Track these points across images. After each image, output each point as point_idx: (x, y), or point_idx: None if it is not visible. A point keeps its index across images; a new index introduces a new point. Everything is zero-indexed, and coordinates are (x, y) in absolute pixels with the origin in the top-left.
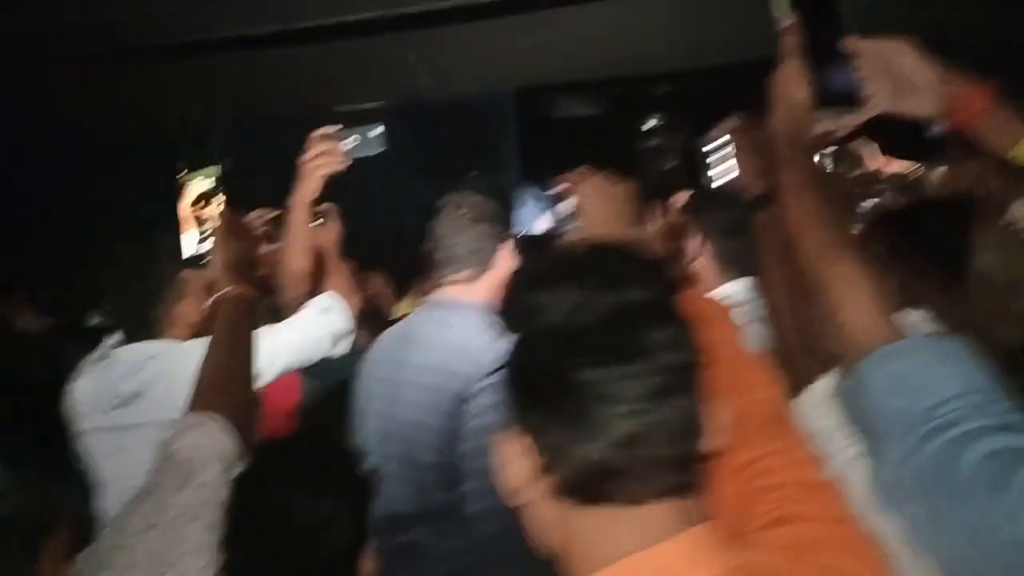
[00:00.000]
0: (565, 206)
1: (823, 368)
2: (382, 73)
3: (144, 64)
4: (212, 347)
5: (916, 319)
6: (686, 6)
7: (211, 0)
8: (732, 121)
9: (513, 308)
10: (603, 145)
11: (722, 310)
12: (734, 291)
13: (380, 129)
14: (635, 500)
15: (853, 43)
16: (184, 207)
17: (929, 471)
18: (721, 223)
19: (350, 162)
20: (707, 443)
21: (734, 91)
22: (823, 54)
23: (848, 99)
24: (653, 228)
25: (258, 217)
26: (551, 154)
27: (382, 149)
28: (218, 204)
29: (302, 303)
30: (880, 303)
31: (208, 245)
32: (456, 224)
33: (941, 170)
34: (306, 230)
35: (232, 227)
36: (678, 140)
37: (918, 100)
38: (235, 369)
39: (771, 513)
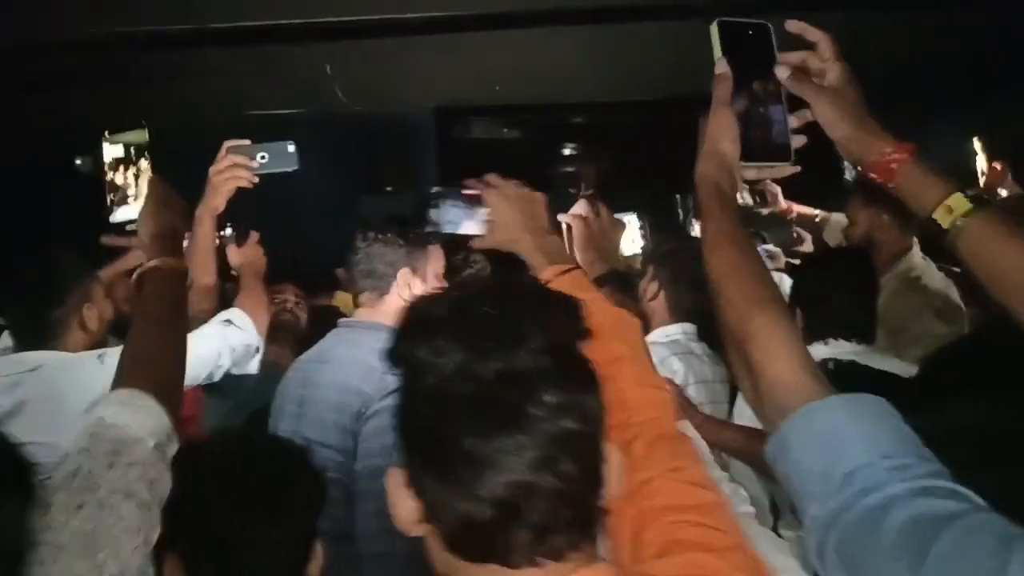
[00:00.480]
0: (477, 209)
1: None
2: (298, 83)
3: (58, 58)
4: (139, 321)
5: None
6: (607, 40)
7: None
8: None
9: (398, 358)
10: (518, 168)
11: (629, 323)
12: (677, 332)
13: (293, 146)
14: (513, 564)
15: (795, 25)
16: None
17: (851, 537)
18: (682, 274)
19: (257, 179)
20: (600, 497)
21: (648, 125)
22: (753, 102)
23: (776, 151)
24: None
25: None
26: (467, 174)
27: (296, 167)
28: (143, 171)
29: (208, 317)
30: (804, 358)
31: (122, 212)
32: (366, 244)
33: (839, 217)
34: (211, 243)
35: (160, 196)
36: (592, 168)
37: (839, 124)
38: (163, 344)
39: (663, 538)
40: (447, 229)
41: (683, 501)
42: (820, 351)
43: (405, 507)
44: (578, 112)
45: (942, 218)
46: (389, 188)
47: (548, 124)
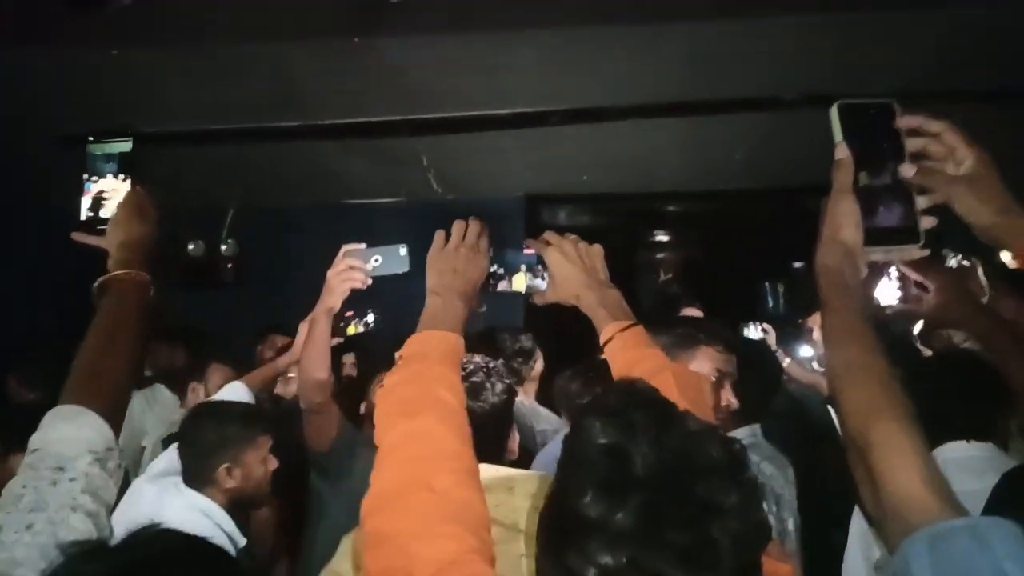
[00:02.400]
0: (537, 267)
1: None
2: (395, 174)
3: (159, 148)
4: (93, 331)
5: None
6: (696, 130)
7: (223, 90)
8: None
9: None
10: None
11: (691, 378)
12: (748, 435)
13: (404, 249)
14: None
15: (923, 123)
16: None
17: None
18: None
19: (371, 280)
20: None
21: (735, 216)
22: (878, 184)
23: (899, 236)
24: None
25: None
26: None
27: (407, 269)
28: (121, 179)
29: (321, 410)
30: (928, 471)
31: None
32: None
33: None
34: (327, 340)
35: (134, 206)
36: (679, 256)
37: (979, 212)
38: (112, 357)
39: None
40: (507, 290)
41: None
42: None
43: None
44: (661, 200)
45: None
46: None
47: (632, 212)
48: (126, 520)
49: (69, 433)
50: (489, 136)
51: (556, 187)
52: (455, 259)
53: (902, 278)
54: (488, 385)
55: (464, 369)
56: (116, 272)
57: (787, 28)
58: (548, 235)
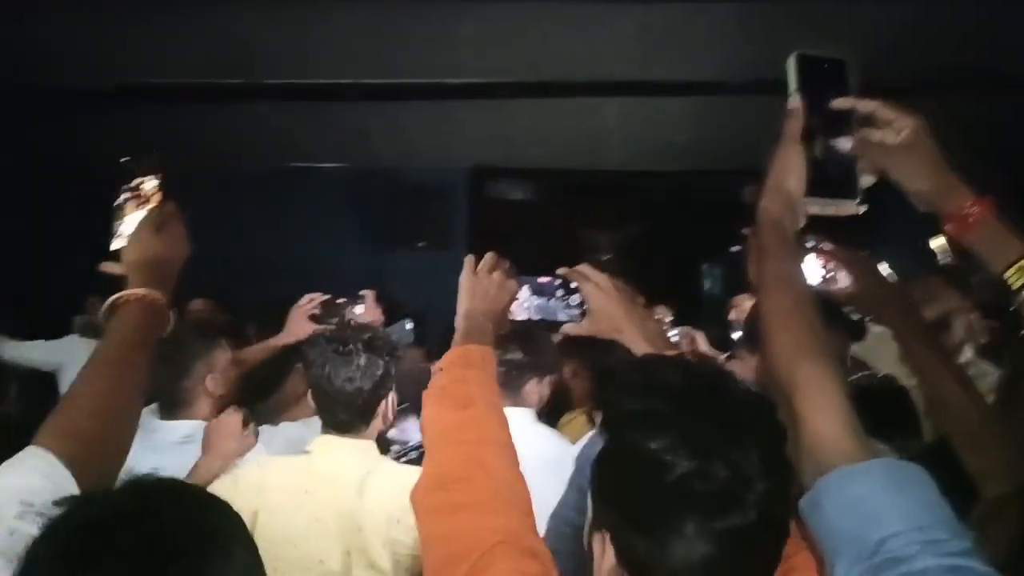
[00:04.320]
0: (569, 297)
1: None
2: (342, 138)
3: (103, 106)
4: (92, 360)
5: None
6: (644, 110)
7: (179, 47)
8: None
9: (621, 441)
10: (546, 229)
11: None
12: None
13: (410, 324)
14: None
15: (859, 103)
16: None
17: None
18: None
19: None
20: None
21: (677, 196)
22: (824, 138)
23: (838, 190)
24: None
25: None
26: (497, 233)
27: (411, 341)
28: (152, 199)
29: None
30: (848, 414)
31: (122, 240)
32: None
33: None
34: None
35: (157, 223)
36: (620, 235)
37: (913, 177)
38: (107, 389)
39: None
40: (539, 316)
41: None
42: None
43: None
44: (606, 178)
45: (1014, 278)
46: (421, 244)
47: (576, 188)
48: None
49: (9, 478)
50: (437, 106)
51: (502, 160)
52: (488, 284)
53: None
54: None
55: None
56: (127, 292)
57: (735, 11)
58: (584, 268)
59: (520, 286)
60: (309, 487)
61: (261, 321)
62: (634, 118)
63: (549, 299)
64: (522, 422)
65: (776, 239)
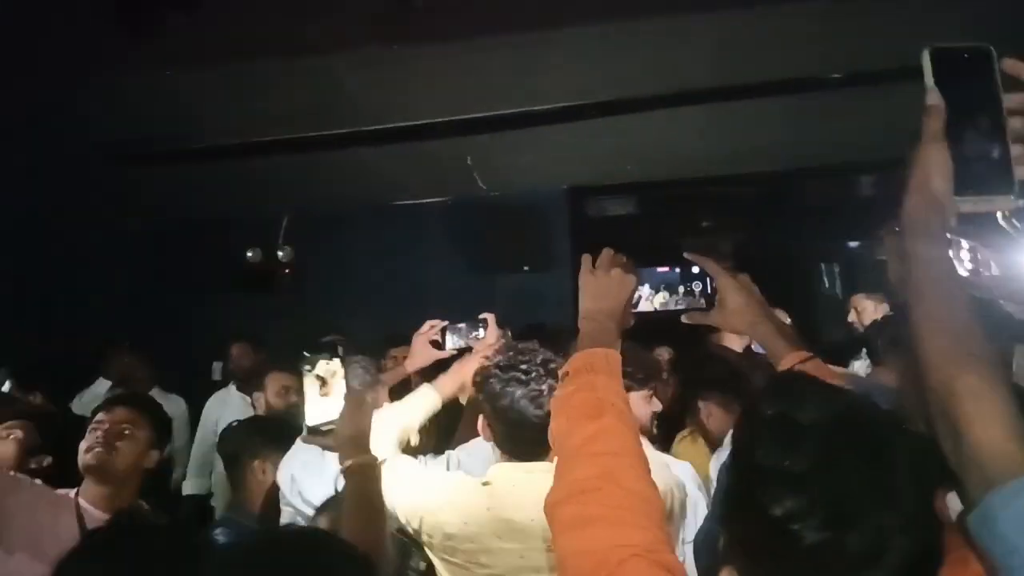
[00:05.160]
0: (688, 285)
1: None
2: (441, 174)
3: (216, 161)
4: (348, 518)
5: None
6: (725, 117)
7: (272, 100)
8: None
9: (748, 493)
10: (651, 242)
11: None
12: None
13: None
14: None
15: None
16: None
17: None
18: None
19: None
20: None
21: (782, 197)
22: (970, 132)
23: (992, 186)
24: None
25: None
26: (598, 248)
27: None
28: (336, 374)
29: None
30: (1013, 422)
31: (315, 415)
32: None
33: None
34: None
35: (358, 402)
36: (728, 241)
37: None
38: (358, 534)
39: None
40: (658, 306)
41: None
42: None
43: None
44: (704, 186)
45: None
46: (527, 268)
47: (675, 199)
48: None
49: None
50: (529, 132)
51: (597, 178)
52: (608, 282)
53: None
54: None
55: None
56: (349, 462)
57: (809, 9)
58: (714, 261)
59: (639, 280)
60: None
61: (381, 350)
62: (724, 123)
63: (670, 292)
64: None
65: (924, 244)
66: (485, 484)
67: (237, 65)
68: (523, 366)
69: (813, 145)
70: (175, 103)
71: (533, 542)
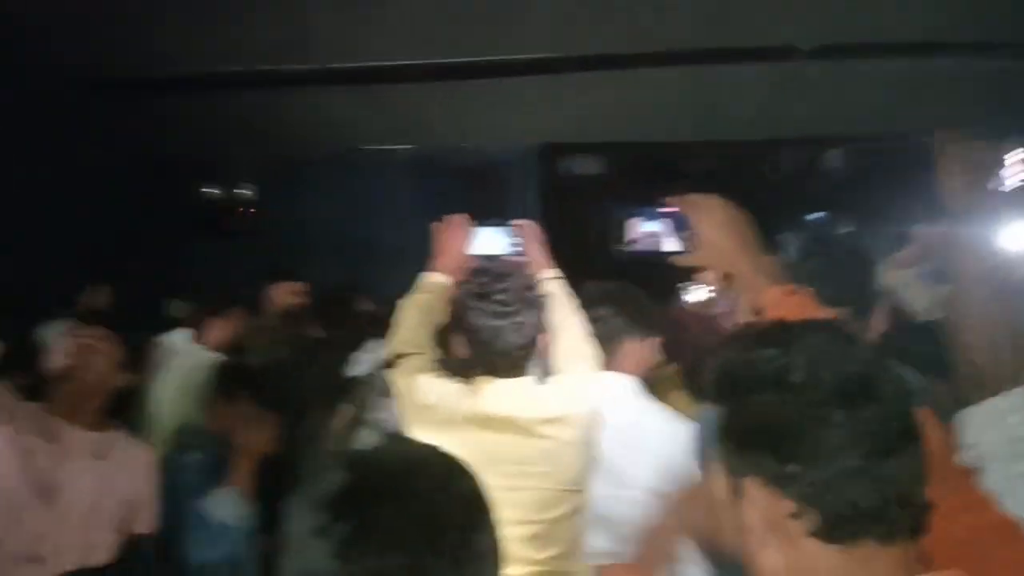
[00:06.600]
0: (677, 228)
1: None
2: (409, 120)
3: (171, 93)
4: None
5: None
6: (701, 80)
7: (242, 35)
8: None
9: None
10: (616, 203)
11: None
12: None
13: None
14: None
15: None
16: None
17: None
18: None
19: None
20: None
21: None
22: None
23: None
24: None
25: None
26: (566, 208)
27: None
28: None
29: None
30: None
31: None
32: None
33: None
34: None
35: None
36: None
37: None
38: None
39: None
40: (647, 247)
41: (973, 521)
42: None
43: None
44: (679, 150)
45: None
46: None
47: (648, 161)
48: None
49: None
50: (504, 84)
51: (572, 136)
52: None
53: None
54: None
55: None
56: None
57: None
58: (695, 197)
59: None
60: None
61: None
62: (704, 88)
63: (659, 232)
64: (625, 393)
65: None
66: (473, 390)
67: None
68: (501, 296)
69: (787, 115)
70: (134, 29)
71: (517, 433)
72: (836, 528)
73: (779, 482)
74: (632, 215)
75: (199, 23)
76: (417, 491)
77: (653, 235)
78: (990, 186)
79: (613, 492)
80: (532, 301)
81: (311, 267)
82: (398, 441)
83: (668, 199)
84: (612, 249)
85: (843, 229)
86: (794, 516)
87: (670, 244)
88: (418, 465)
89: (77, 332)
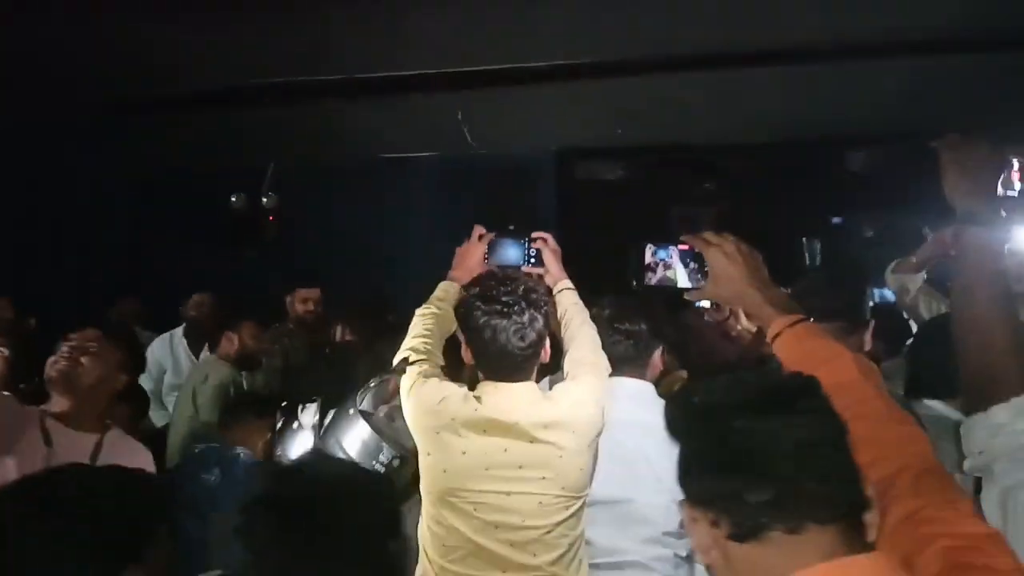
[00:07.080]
0: (692, 263)
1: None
2: (428, 128)
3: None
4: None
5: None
6: (718, 84)
7: (266, 47)
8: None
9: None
10: (636, 209)
11: (870, 366)
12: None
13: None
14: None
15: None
16: None
17: None
18: None
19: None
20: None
21: (771, 169)
22: None
23: None
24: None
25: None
26: (586, 213)
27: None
28: None
29: None
30: None
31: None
32: None
33: None
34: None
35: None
36: (713, 211)
37: None
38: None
39: (942, 561)
40: (665, 283)
41: (958, 529)
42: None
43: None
44: (695, 153)
45: None
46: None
47: (664, 165)
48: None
49: None
50: (521, 90)
51: (588, 141)
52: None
53: None
54: None
55: None
56: None
57: None
58: (708, 235)
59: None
60: None
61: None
62: (720, 91)
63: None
64: (648, 399)
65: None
66: (475, 395)
67: (223, 12)
68: (505, 298)
69: (804, 117)
70: (160, 45)
71: (516, 438)
72: (745, 530)
73: (698, 499)
74: (647, 245)
75: (223, 37)
76: (331, 501)
77: (667, 265)
78: (998, 188)
79: (665, 501)
80: (535, 303)
81: (335, 275)
82: (323, 457)
83: (683, 238)
84: (628, 280)
85: (866, 232)
86: (713, 525)
87: (683, 279)
88: (336, 479)
89: (72, 336)
